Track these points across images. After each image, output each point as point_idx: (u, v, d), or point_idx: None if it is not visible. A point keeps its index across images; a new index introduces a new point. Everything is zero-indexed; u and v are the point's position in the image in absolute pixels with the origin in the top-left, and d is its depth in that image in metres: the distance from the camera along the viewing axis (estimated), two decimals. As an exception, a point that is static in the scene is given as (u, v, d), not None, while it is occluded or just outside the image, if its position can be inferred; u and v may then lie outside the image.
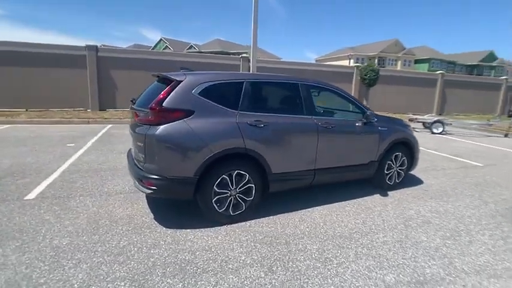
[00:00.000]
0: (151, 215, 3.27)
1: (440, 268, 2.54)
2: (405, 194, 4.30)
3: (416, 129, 9.78)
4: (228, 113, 3.07)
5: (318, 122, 3.54)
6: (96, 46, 11.21)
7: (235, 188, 3.12)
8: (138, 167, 3.06)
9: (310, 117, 3.53)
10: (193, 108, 2.92)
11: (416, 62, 54.51)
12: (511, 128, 11.04)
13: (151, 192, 2.86)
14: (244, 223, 3.18)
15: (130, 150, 3.79)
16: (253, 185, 3.19)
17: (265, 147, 3.17)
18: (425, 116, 11.94)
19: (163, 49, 45.47)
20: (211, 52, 27.97)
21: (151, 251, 2.59)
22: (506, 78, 20.55)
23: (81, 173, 4.58)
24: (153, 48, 48.55)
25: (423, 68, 50.25)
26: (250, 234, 2.97)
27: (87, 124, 9.17)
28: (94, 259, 2.43)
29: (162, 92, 2.89)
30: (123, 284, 2.15)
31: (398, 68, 48.86)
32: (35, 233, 2.78)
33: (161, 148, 2.80)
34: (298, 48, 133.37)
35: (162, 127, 2.80)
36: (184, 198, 3.06)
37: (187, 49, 45.58)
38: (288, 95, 3.61)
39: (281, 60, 17.43)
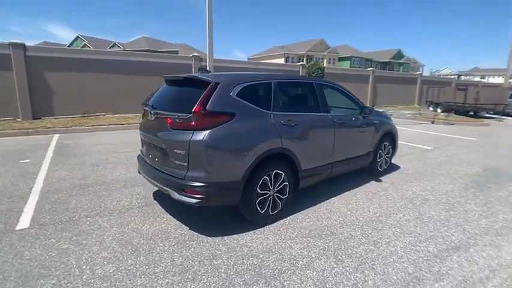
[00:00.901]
0: (185, 226, 3.06)
1: (460, 234, 3.03)
2: (394, 178, 4.88)
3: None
4: (264, 113, 3.07)
5: (333, 118, 3.79)
6: (24, 44, 9.48)
7: (273, 188, 3.15)
8: (174, 176, 2.83)
9: (326, 114, 3.75)
10: (234, 110, 2.84)
11: (340, 59, 60.17)
12: (436, 116, 13.26)
13: (198, 202, 2.69)
14: (281, 221, 3.23)
15: (142, 160, 3.46)
16: (287, 183, 3.26)
17: (296, 146, 3.26)
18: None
19: (82, 47, 40.71)
20: (138, 50, 26.22)
21: (215, 262, 2.46)
22: (420, 74, 24.50)
23: (66, 191, 3.94)
24: (68, 47, 43.05)
25: (346, 65, 55.75)
26: (296, 231, 3.04)
27: (27, 136, 7.76)
28: (160, 281, 2.20)
29: (203, 95, 2.73)
30: (213, 299, 2.03)
31: (325, 65, 53.52)
32: (65, 266, 2.36)
33: (210, 154, 2.66)
34: (227, 47, 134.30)
35: (209, 132, 2.66)
36: (230, 204, 2.95)
37: (110, 47, 41.74)
38: (307, 93, 3.76)
39: (234, 60, 17.50)
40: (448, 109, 15.41)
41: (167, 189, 2.88)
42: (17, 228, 2.95)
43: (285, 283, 2.23)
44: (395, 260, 2.56)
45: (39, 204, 3.51)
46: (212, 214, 3.36)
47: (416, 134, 9.76)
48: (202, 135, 2.64)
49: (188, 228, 3.02)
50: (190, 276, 2.28)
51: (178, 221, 3.19)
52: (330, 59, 57.81)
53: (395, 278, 2.32)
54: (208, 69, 11.14)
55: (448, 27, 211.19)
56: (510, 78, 22.49)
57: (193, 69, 12.78)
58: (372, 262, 2.52)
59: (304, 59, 56.49)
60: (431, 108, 17.16)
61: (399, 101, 21.74)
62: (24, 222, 3.07)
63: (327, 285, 2.21)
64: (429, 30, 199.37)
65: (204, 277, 2.27)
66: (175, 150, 2.77)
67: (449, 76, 58.99)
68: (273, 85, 3.26)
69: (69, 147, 6.56)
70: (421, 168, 5.47)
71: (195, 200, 2.69)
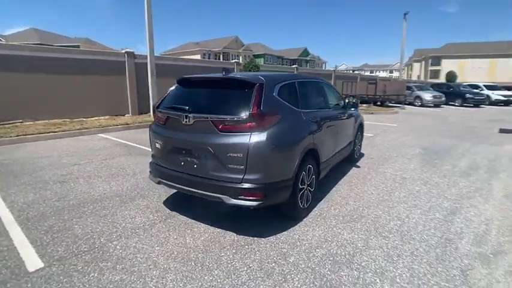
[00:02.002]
0: (230, 232, 2.97)
1: (447, 202, 3.80)
2: (366, 163, 5.62)
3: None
4: (297, 112, 3.20)
5: (335, 113, 4.16)
6: None
7: (307, 182, 3.32)
8: (228, 181, 2.71)
9: (330, 109, 4.10)
10: (279, 110, 2.89)
11: (255, 56, 62.74)
12: (370, 108, 15.47)
13: (258, 204, 2.66)
14: (313, 213, 3.44)
15: (164, 168, 3.14)
16: (314, 176, 3.48)
17: (318, 140, 3.50)
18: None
19: None
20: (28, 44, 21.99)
21: (290, 260, 2.52)
22: (334, 70, 27.67)
23: (53, 216, 3.23)
24: None
25: (260, 62, 58.37)
26: (332, 219, 3.29)
27: None
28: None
29: (255, 96, 2.69)
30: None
31: (241, 61, 54.96)
32: (138, 297, 2.05)
33: (269, 154, 2.66)
34: (131, 41, 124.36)
35: (267, 132, 2.65)
36: (282, 202, 2.97)
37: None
38: (319, 91, 4.03)
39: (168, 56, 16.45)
40: (361, 101, 18.05)
41: (218, 195, 2.74)
42: (30, 269, 2.35)
43: (363, 264, 2.47)
44: (422, 228, 3.08)
45: (31, 237, 2.83)
46: (240, 217, 3.32)
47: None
48: (261, 136, 2.62)
49: (236, 234, 2.94)
50: (280, 278, 2.29)
51: (218, 228, 3.05)
52: (245, 56, 59.67)
53: (433, 242, 2.83)
54: (150, 67, 10.35)
55: (343, 28, 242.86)
56: (401, 72, 27.62)
57: (127, 67, 11.54)
58: (409, 233, 2.98)
59: (221, 56, 57.02)
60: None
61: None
62: (32, 260, 2.46)
63: (394, 258, 2.55)
64: (328, 29, 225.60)
65: (292, 275, 2.31)
66: (230, 154, 2.65)
67: (346, 71, 68.14)
68: (297, 84, 3.41)
69: (3, 164, 5.25)
70: (380, 153, 6.43)
71: (255, 203, 2.66)
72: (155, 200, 3.75)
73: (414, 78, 61.64)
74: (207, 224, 3.12)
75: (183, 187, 2.99)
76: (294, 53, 69.03)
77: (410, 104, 18.89)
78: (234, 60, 17.03)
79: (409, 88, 18.96)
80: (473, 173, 5.00)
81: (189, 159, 2.92)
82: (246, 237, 2.88)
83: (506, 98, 18.53)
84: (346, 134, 4.87)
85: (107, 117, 10.56)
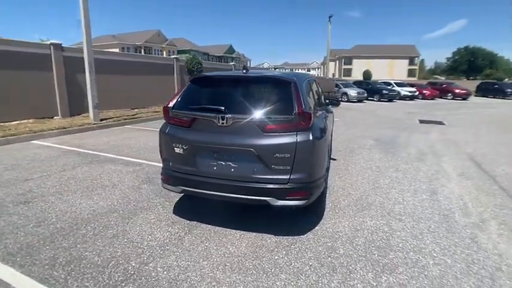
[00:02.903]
0: (269, 235, 2.92)
1: (428, 184, 4.46)
2: (339, 155, 6.11)
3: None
4: (316, 110, 3.30)
5: (326, 109, 4.42)
6: None
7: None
8: (273, 182, 2.66)
9: (323, 106, 4.34)
10: (311, 108, 2.95)
11: (179, 52, 60.60)
12: None
13: (305, 202, 2.69)
14: (327, 206, 3.62)
15: (192, 173, 2.86)
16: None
17: (328, 136, 3.70)
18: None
19: None
20: None
21: (341, 252, 2.64)
22: (262, 67, 28.62)
23: (48, 245, 2.63)
24: None
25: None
26: (349, 210, 3.54)
27: None
28: (332, 284, 2.20)
29: (296, 96, 2.70)
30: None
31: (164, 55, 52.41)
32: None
33: (314, 153, 2.70)
34: (25, 32, 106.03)
35: (311, 131, 2.68)
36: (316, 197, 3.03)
37: None
38: (316, 89, 4.20)
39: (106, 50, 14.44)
40: None
41: (263, 198, 2.66)
42: (66, 313, 1.90)
43: (400, 245, 2.76)
44: (421, 209, 3.57)
45: (35, 276, 2.26)
46: (261, 218, 3.29)
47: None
48: (306, 135, 2.64)
49: (274, 235, 2.90)
50: (344, 270, 2.38)
51: (252, 232, 2.97)
52: (169, 51, 57.16)
53: (436, 219, 3.31)
54: (87, 61, 9.05)
55: (265, 27, 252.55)
56: (326, 71, 30.23)
57: (53, 60, 9.78)
58: (416, 214, 3.42)
59: (142, 50, 53.14)
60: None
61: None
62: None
63: (419, 237, 2.91)
64: (252, 29, 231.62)
65: (353, 266, 2.44)
66: (277, 155, 2.60)
67: (268, 69, 71.67)
68: (309, 83, 3.54)
69: None
70: (342, 145, 7.05)
71: (302, 202, 2.68)
72: (162, 211, 3.40)
73: (330, 76, 68.60)
74: (238, 230, 3.00)
75: (215, 193, 2.79)
76: (219, 50, 68.88)
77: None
78: (173, 56, 16.14)
79: (336, 86, 21.09)
80: (425, 158, 5.95)
81: (223, 162, 2.75)
82: (285, 237, 2.88)
83: (411, 94, 22.40)
84: (330, 130, 5.22)
85: (31, 120, 8.82)
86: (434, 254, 2.62)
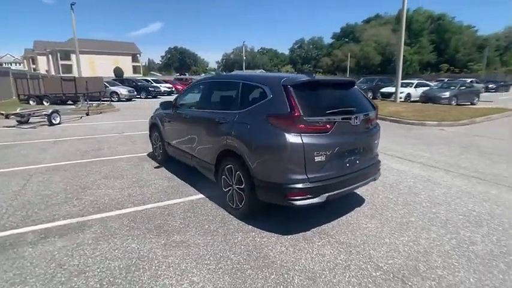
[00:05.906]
0: (275, 235, 3.07)
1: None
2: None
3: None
4: None
5: None
6: None
7: None
8: (374, 164, 3.51)
9: None
10: None
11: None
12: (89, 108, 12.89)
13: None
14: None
15: (336, 179, 2.99)
16: None
17: None
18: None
19: None
20: None
21: (357, 242, 2.93)
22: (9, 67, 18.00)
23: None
24: None
25: None
26: (354, 205, 3.80)
27: None
28: (374, 274, 2.52)
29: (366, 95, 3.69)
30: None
31: None
32: None
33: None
34: None
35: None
36: None
37: None
38: None
39: None
40: (55, 101, 15.17)
41: (373, 177, 3.45)
42: None
43: (416, 229, 3.20)
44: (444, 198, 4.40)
45: None
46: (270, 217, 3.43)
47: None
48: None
49: (279, 235, 3.09)
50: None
51: (274, 233, 3.11)
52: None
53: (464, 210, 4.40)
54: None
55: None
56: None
57: None
58: (421, 207, 3.75)
59: None
60: (31, 102, 15.36)
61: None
62: None
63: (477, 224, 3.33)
64: None
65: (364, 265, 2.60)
66: (376, 141, 3.54)
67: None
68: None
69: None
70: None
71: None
72: (173, 220, 2.58)
73: (43, 72, 54.37)
74: (257, 228, 3.20)
75: (347, 188, 3.09)
76: None
77: (107, 100, 18.30)
78: None
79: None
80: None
81: (352, 157, 3.13)
82: (299, 235, 3.11)
83: (169, 89, 24.22)
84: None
85: None
86: (498, 228, 3.63)
